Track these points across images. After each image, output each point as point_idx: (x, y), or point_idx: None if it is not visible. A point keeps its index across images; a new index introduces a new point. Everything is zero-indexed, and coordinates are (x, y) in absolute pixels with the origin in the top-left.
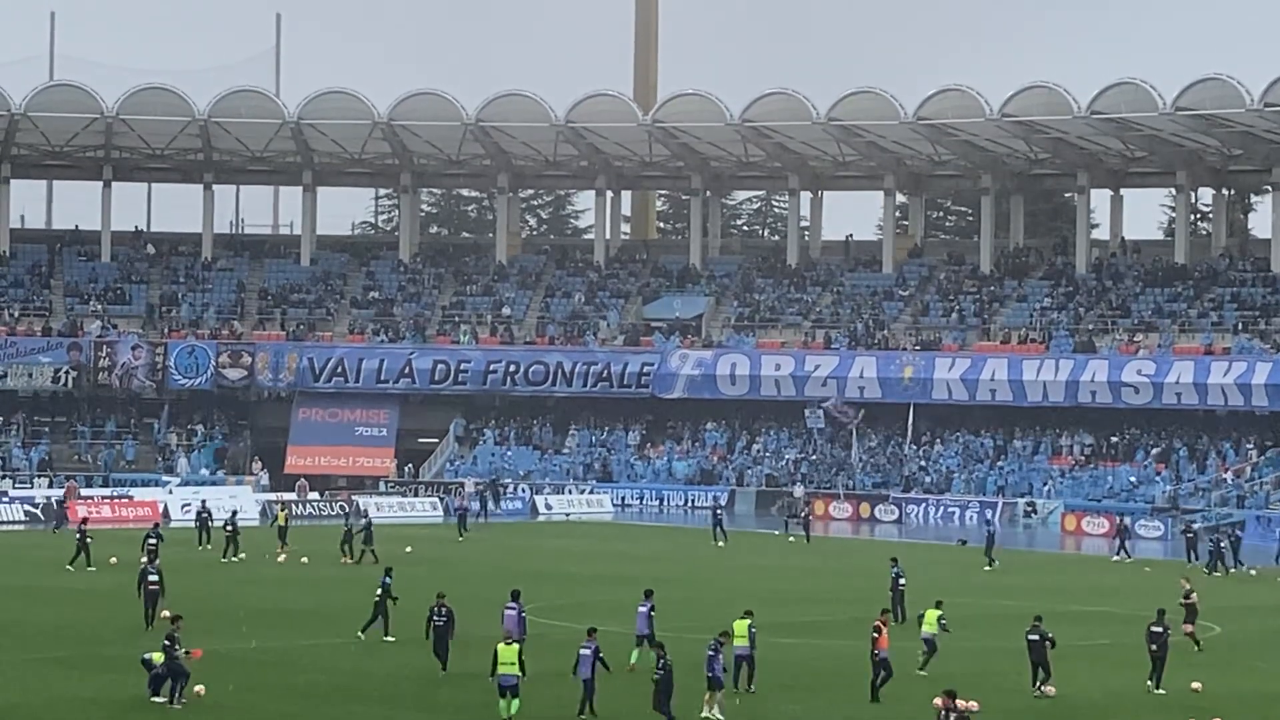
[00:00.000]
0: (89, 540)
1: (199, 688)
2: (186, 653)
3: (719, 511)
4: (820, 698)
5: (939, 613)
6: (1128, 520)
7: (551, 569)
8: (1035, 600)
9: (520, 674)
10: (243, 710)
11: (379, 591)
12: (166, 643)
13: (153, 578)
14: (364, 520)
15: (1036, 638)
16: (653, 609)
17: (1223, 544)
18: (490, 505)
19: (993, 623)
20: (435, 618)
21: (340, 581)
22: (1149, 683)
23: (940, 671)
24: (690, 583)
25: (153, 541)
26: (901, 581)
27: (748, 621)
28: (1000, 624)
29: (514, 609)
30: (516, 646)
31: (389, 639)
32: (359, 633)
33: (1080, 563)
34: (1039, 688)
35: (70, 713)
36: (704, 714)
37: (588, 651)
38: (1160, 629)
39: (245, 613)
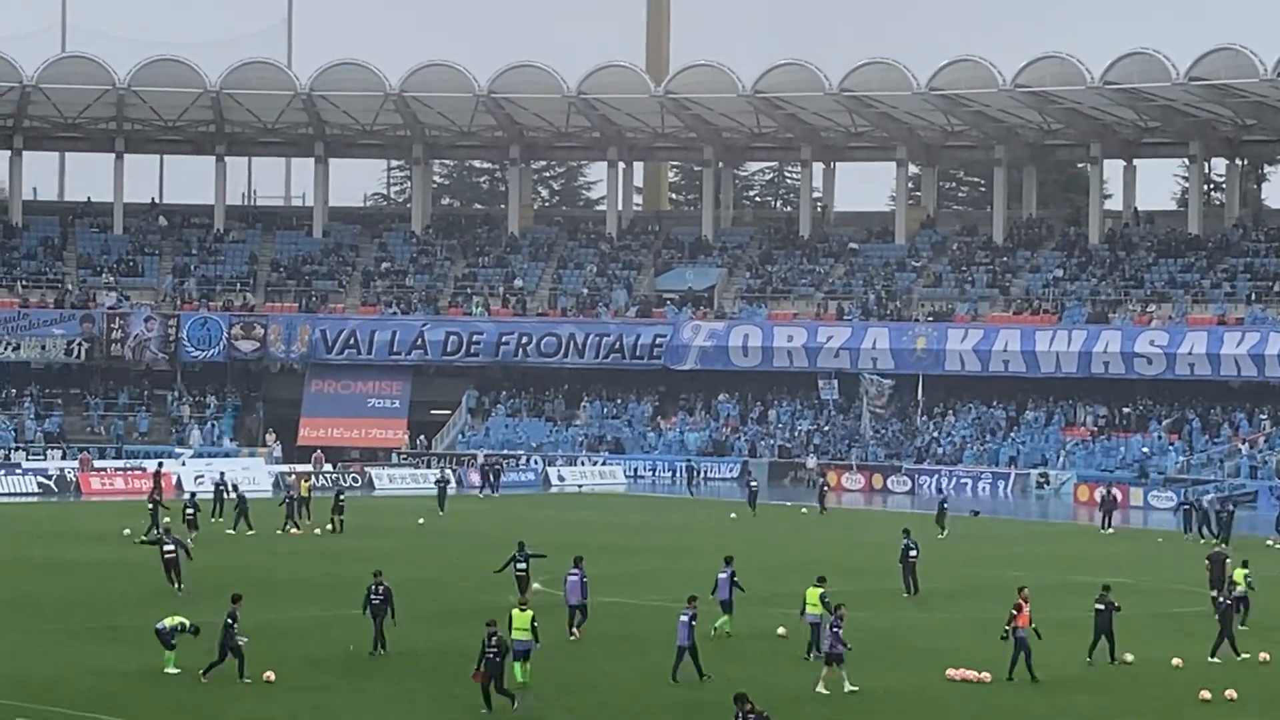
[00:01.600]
0: (163, 508)
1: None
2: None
3: (754, 485)
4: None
5: (821, 590)
6: (1116, 492)
7: (564, 540)
8: (1044, 570)
9: (534, 640)
10: (262, 684)
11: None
12: (229, 621)
13: (168, 547)
14: (337, 491)
15: (1103, 607)
16: (734, 575)
17: (1222, 515)
18: (491, 479)
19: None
20: (373, 596)
21: (351, 553)
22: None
23: (947, 646)
24: (705, 553)
25: (190, 511)
26: (913, 553)
27: (820, 590)
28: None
29: (576, 575)
30: (530, 612)
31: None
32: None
33: (1091, 534)
34: (1112, 658)
35: (82, 683)
36: (818, 689)
37: (686, 618)
38: (1223, 599)
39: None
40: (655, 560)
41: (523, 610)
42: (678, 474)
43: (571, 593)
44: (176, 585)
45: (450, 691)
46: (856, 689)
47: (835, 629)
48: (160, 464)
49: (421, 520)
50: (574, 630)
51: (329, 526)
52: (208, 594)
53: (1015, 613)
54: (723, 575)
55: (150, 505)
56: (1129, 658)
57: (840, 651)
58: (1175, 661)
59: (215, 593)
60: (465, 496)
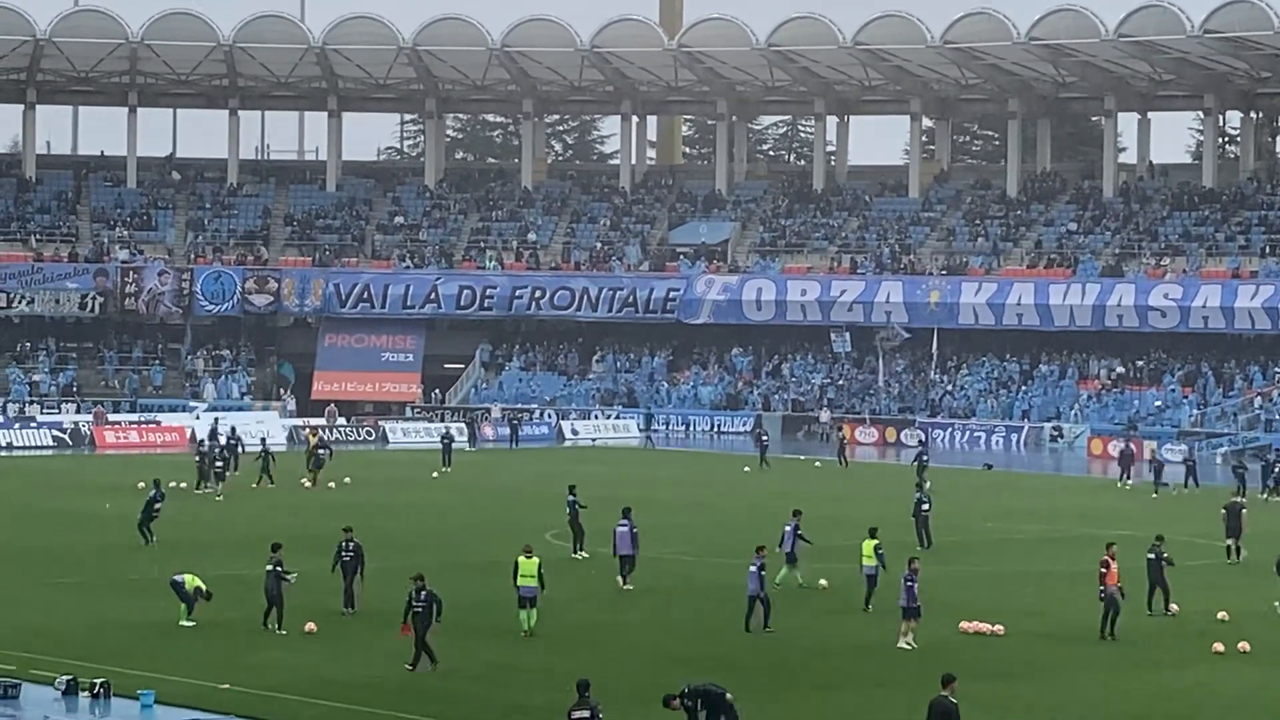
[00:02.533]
0: (272, 458)
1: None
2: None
3: (764, 438)
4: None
5: (875, 542)
6: (1133, 446)
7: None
8: (1061, 524)
9: (540, 587)
10: (278, 635)
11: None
12: (279, 569)
13: (158, 506)
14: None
15: (1153, 557)
16: (798, 528)
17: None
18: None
19: (1013, 548)
20: (344, 553)
21: (361, 508)
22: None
23: (961, 599)
24: (717, 508)
25: (219, 465)
26: (925, 506)
27: (874, 542)
28: (1023, 550)
29: (625, 526)
30: (537, 560)
31: None
32: None
33: (1107, 488)
34: (1166, 609)
35: (98, 636)
36: (899, 644)
37: (755, 568)
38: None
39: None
40: (671, 515)
41: (529, 558)
42: (691, 428)
43: (621, 543)
44: (149, 539)
45: (468, 644)
46: (913, 646)
47: (910, 583)
48: (216, 419)
49: (435, 474)
50: (624, 581)
51: (305, 482)
52: (227, 547)
53: (1103, 570)
54: (788, 528)
55: (197, 458)
56: (1174, 608)
57: (917, 605)
58: (1221, 615)
59: (235, 547)
60: (481, 450)
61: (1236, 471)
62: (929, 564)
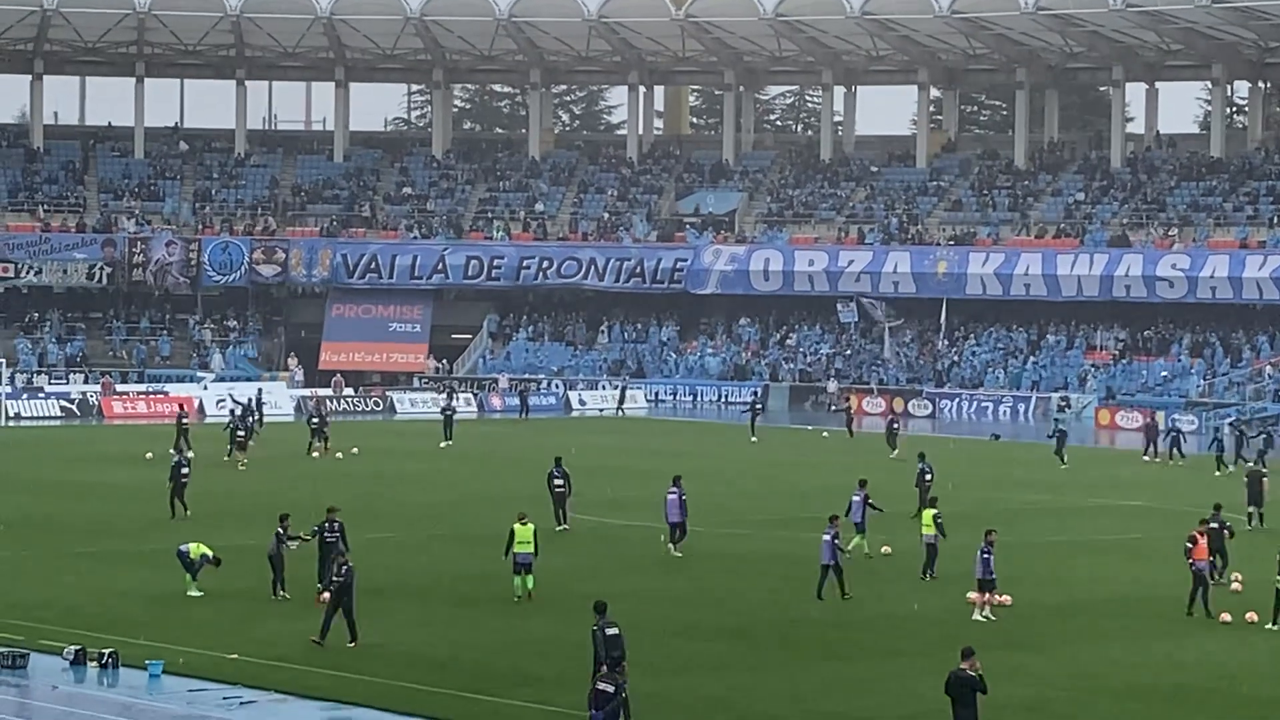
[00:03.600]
0: (325, 426)
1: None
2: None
3: (757, 406)
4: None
5: (935, 511)
6: (1159, 418)
7: (584, 464)
8: (1065, 494)
9: (534, 553)
10: (283, 604)
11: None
12: (282, 533)
13: (185, 470)
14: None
15: (1215, 526)
16: (867, 497)
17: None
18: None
19: (1031, 517)
20: (327, 534)
21: (366, 477)
22: None
23: (966, 570)
24: (723, 478)
25: (241, 434)
26: (928, 477)
27: (933, 511)
28: (1029, 520)
29: (675, 493)
30: (532, 526)
31: None
32: None
33: (1113, 458)
34: (1225, 577)
35: (106, 606)
36: (975, 616)
37: (829, 537)
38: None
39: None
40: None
41: (524, 525)
42: (699, 398)
43: (671, 510)
44: (183, 510)
45: (474, 614)
46: (991, 619)
47: (986, 555)
48: (260, 390)
49: (443, 444)
50: (674, 548)
51: (313, 454)
52: (237, 518)
53: (1191, 545)
54: (856, 498)
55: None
56: (1237, 584)
57: (993, 577)
58: (1235, 586)
59: (244, 518)
60: (488, 420)
61: (1251, 440)
62: (919, 534)
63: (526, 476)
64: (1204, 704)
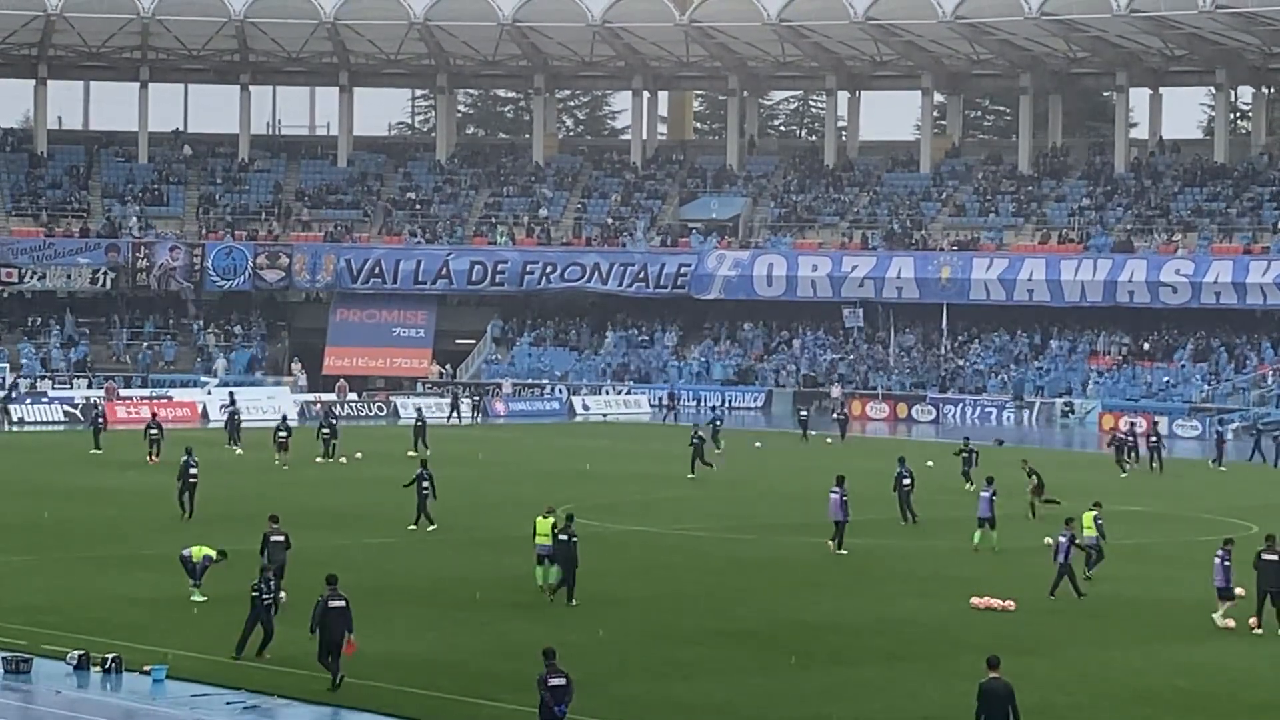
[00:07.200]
0: (335, 436)
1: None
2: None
3: (719, 423)
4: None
5: (1095, 513)
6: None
7: (589, 468)
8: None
9: (554, 545)
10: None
11: (423, 485)
12: (273, 536)
13: (193, 470)
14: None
15: (1275, 558)
16: (995, 494)
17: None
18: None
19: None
20: (264, 595)
21: (375, 482)
22: None
23: (969, 574)
24: (724, 482)
25: (283, 435)
26: (906, 481)
27: (1094, 513)
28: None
29: (837, 493)
30: (552, 519)
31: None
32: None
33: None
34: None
35: (110, 611)
36: (1220, 624)
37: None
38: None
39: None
40: (682, 489)
41: (546, 518)
42: (702, 403)
43: (834, 510)
44: (188, 513)
45: (479, 619)
46: (1231, 626)
47: (1225, 564)
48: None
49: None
50: (838, 546)
51: (319, 459)
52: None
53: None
54: (985, 495)
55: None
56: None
57: (1230, 586)
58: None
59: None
60: (487, 425)
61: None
62: (919, 538)
63: (527, 481)
64: (1210, 710)
